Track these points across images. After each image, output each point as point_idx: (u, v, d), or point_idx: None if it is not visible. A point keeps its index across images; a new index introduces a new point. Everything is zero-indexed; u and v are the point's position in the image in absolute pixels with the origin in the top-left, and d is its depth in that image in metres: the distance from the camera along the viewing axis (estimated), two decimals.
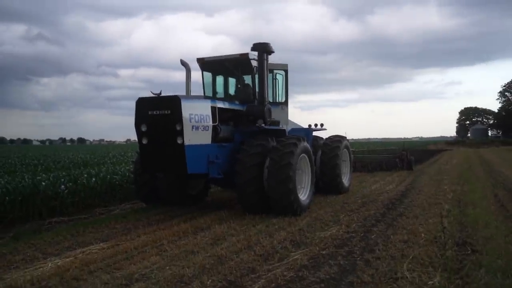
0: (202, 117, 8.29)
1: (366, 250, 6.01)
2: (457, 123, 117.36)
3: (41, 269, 5.40)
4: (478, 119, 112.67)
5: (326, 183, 11.56)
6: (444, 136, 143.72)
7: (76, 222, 8.67)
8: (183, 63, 9.81)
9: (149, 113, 8.10)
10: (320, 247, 6.24)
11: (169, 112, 7.96)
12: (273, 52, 9.68)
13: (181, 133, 7.84)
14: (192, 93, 9.93)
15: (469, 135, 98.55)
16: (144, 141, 8.27)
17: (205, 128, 8.36)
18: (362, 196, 11.31)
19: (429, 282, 4.60)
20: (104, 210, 10.20)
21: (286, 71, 11.12)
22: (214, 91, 10.98)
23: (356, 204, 10.03)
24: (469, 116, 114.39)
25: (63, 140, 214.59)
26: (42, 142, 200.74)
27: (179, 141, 7.88)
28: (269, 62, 9.86)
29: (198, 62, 10.60)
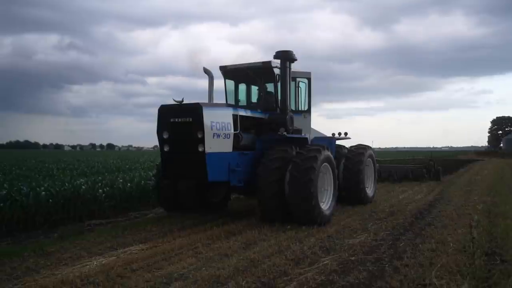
0: (223, 125, 8.30)
1: (395, 257, 6.17)
2: (489, 132, 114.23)
3: (87, 266, 5.81)
4: (511, 128, 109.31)
5: (349, 193, 11.28)
6: (475, 146, 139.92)
7: (114, 225, 9.12)
8: (206, 71, 9.96)
9: (171, 120, 8.22)
10: (349, 253, 6.44)
11: (190, 119, 8.04)
12: (295, 60, 9.65)
13: (202, 141, 7.91)
14: (215, 101, 10.09)
15: (501, 145, 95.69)
16: (166, 148, 8.39)
17: (226, 136, 8.37)
18: (390, 206, 11.38)
19: None
20: (139, 214, 10.66)
21: (309, 79, 11.03)
22: (237, 99, 11.00)
23: (384, 213, 10.14)
24: (501, 125, 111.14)
25: (93, 145, 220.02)
26: (73, 147, 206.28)
27: (200, 149, 7.94)
28: (292, 70, 9.80)
29: (220, 70, 10.62)
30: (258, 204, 8.69)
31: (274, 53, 9.50)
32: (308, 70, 11.07)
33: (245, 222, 8.94)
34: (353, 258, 6.16)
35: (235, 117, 8.75)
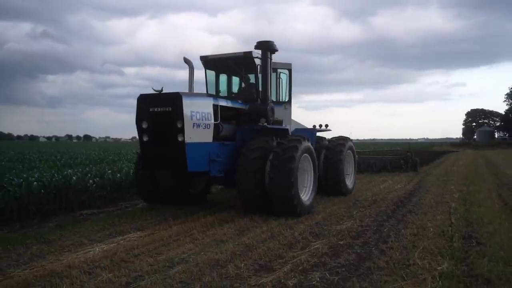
0: (203, 115, 8.25)
1: (380, 241, 6.61)
2: (463, 125, 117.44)
3: (91, 252, 6.05)
4: (484, 121, 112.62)
5: (329, 184, 11.41)
6: (450, 138, 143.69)
7: (107, 214, 9.31)
8: (186, 60, 9.86)
9: (150, 110, 8.08)
10: (338, 238, 6.86)
11: (170, 109, 7.94)
12: (276, 50, 9.69)
13: (182, 131, 7.82)
14: (195, 92, 9.97)
15: (475, 137, 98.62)
16: (145, 138, 8.26)
17: (206, 126, 8.32)
18: (372, 195, 11.91)
19: (438, 268, 5.19)
20: (129, 204, 10.85)
21: (290, 70, 10.99)
22: (217, 90, 10.90)
23: (367, 202, 10.64)
24: (475, 118, 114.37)
25: (69, 137, 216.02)
26: (49, 138, 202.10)
27: (180, 139, 7.85)
28: (273, 61, 9.82)
29: (201, 60, 10.49)
30: (239, 195, 8.71)
31: (255, 44, 9.54)
32: (288, 61, 11.11)
33: (235, 210, 9.26)
34: (341, 242, 6.57)
35: (215, 107, 8.70)
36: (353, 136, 13.69)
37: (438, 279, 4.83)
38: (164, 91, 8.16)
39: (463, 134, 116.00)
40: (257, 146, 8.62)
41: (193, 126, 8.01)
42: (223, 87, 11.08)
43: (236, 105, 9.71)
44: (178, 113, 7.83)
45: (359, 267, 5.39)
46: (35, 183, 9.57)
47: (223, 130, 8.96)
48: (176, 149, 7.92)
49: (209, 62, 10.51)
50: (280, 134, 9.42)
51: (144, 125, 8.19)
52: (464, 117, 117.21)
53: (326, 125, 11.99)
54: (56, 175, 10.95)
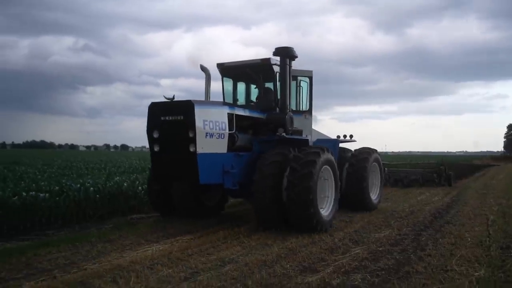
0: (217, 124, 7.90)
1: (418, 249, 6.90)
2: (504, 137, 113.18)
3: (149, 251, 6.67)
4: None
5: (353, 199, 10.75)
6: (490, 151, 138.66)
7: (156, 219, 9.96)
8: (203, 68, 9.49)
9: (162, 118, 7.80)
10: (377, 245, 7.20)
11: (181, 118, 7.64)
12: (296, 57, 9.21)
13: (193, 141, 7.49)
14: (212, 100, 9.60)
15: None
16: (156, 148, 7.95)
17: (220, 135, 7.98)
18: (410, 206, 12.07)
19: (475, 274, 5.46)
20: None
21: (310, 78, 10.54)
22: (235, 98, 10.55)
23: (404, 212, 10.85)
24: None
25: (107, 146, 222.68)
26: (88, 147, 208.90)
27: (192, 149, 7.52)
28: (294, 68, 9.41)
29: (218, 68, 10.11)
30: (254, 211, 8.28)
31: (274, 50, 9.09)
32: (309, 69, 10.63)
33: None
34: (380, 249, 6.91)
35: (230, 116, 8.36)
36: (388, 149, 13.65)
37: (475, 283, 5.10)
38: (176, 99, 7.97)
39: (504, 147, 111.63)
40: (273, 160, 8.14)
41: (206, 135, 7.67)
42: (241, 95, 10.74)
43: (254, 114, 9.32)
44: (190, 122, 7.52)
45: (398, 271, 5.72)
46: (91, 188, 10.40)
47: (238, 140, 8.60)
48: (187, 160, 7.57)
49: (226, 69, 10.14)
50: (300, 145, 8.96)
51: (155, 135, 7.91)
52: (506, 130, 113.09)
53: (351, 136, 11.47)
54: (107, 182, 11.79)
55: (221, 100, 10.26)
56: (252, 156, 8.69)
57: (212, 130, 7.80)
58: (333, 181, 8.87)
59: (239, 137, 8.65)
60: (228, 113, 8.33)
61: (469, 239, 7.50)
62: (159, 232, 8.13)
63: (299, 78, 10.34)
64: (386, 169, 17.96)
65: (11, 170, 18.83)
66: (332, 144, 10.48)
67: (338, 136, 11.43)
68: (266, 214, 8.08)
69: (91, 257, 6.35)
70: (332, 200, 8.80)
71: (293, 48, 9.10)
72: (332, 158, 8.84)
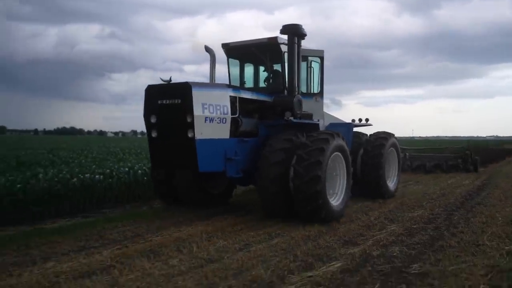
0: (218, 107, 7.41)
1: (451, 226, 7.38)
2: None
3: (203, 226, 7.37)
4: None
5: (368, 186, 10.33)
6: None
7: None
8: (207, 49, 8.98)
9: (159, 102, 7.36)
10: (411, 223, 7.72)
11: (179, 101, 7.20)
12: (305, 35, 8.58)
13: (191, 126, 7.05)
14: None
15: None
16: (154, 134, 7.56)
17: (221, 120, 7.47)
18: (440, 188, 12.46)
19: (505, 248, 5.92)
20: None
21: (321, 58, 9.85)
22: (242, 81, 9.99)
23: (435, 194, 11.26)
24: None
25: (134, 132, 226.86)
26: (116, 133, 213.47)
27: (190, 135, 7.09)
28: (304, 48, 8.87)
29: (223, 48, 9.59)
30: (260, 200, 7.94)
31: (281, 28, 8.46)
32: (320, 49, 10.02)
33: None
34: (415, 226, 7.43)
35: (233, 99, 7.89)
36: (414, 134, 13.37)
37: (505, 256, 5.58)
38: (177, 81, 7.58)
39: None
40: (280, 147, 7.68)
41: (205, 120, 7.19)
42: (249, 78, 10.20)
43: (260, 97, 8.81)
44: (187, 105, 7.06)
45: (433, 245, 6.24)
46: (139, 171, 11.20)
47: (242, 125, 8.13)
48: (186, 146, 7.16)
49: (231, 50, 9.58)
50: (310, 129, 8.53)
51: (153, 119, 7.50)
52: None
53: (367, 119, 10.81)
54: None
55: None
56: (258, 142, 8.20)
57: (212, 114, 7.30)
58: (345, 168, 8.36)
59: (244, 121, 8.18)
60: (230, 96, 7.81)
61: (500, 218, 7.91)
62: (202, 212, 8.76)
63: (309, 58, 9.64)
64: (407, 154, 18.13)
65: (55, 155, 19.95)
66: (345, 129, 9.99)
67: (353, 120, 10.78)
68: (272, 204, 7.73)
69: (153, 230, 7.09)
70: (344, 188, 8.30)
71: (301, 25, 8.45)
72: (344, 143, 8.29)
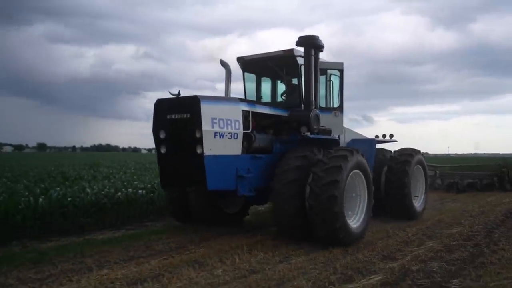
0: (229, 122, 7.08)
1: (491, 244, 7.33)
2: None
3: (228, 243, 7.61)
4: None
5: (393, 206, 9.76)
6: None
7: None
8: (223, 63, 8.59)
9: (168, 117, 7.10)
10: (450, 239, 7.70)
11: (188, 115, 6.91)
12: (322, 46, 8.33)
13: (200, 141, 6.72)
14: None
15: None
16: (162, 150, 7.23)
17: (233, 135, 7.14)
18: (479, 206, 12.23)
19: None
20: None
21: (341, 71, 9.27)
22: (259, 96, 9.67)
23: (474, 212, 11.09)
24: None
25: None
26: (149, 150, 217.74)
27: (199, 151, 6.74)
28: (322, 60, 8.68)
29: (238, 62, 9.32)
30: (274, 220, 7.63)
31: (296, 39, 8.22)
32: (339, 61, 9.38)
33: None
34: (454, 243, 7.42)
35: (246, 113, 7.59)
36: (450, 151, 12.73)
37: None
38: (188, 95, 7.25)
39: None
40: (294, 165, 7.34)
41: (215, 135, 6.87)
42: (266, 92, 9.83)
43: (276, 112, 8.46)
44: (196, 120, 6.77)
45: (473, 261, 6.25)
46: None
47: (256, 141, 7.82)
48: (194, 163, 6.81)
49: (247, 64, 9.30)
50: (328, 145, 8.16)
51: (162, 135, 7.21)
52: None
53: (391, 135, 10.43)
54: None
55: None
56: (272, 159, 7.87)
57: (222, 129, 6.98)
58: (365, 187, 7.89)
59: (258, 137, 7.89)
60: (243, 110, 7.49)
61: None
62: (245, 224, 9.07)
63: (329, 71, 9.20)
64: (437, 172, 17.28)
65: (95, 170, 20.81)
66: (368, 145, 9.63)
67: (377, 136, 10.44)
68: (287, 225, 7.36)
69: (196, 242, 7.42)
70: (364, 209, 7.83)
71: (318, 36, 8.22)
72: (364, 161, 7.84)
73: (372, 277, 5.47)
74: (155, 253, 6.69)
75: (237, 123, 7.23)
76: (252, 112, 7.75)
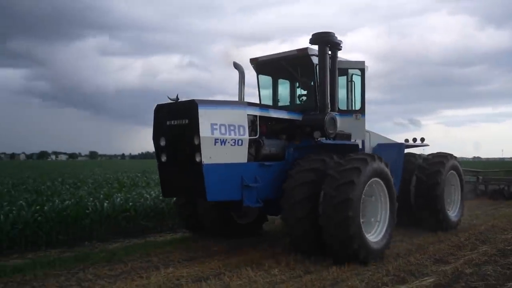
0: (232, 128, 6.58)
1: None
2: None
3: (282, 246, 7.87)
4: None
5: (423, 215, 9.02)
6: None
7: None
8: (236, 65, 8.13)
9: (167, 123, 6.69)
10: (504, 244, 7.65)
11: (186, 121, 6.46)
12: (338, 43, 7.70)
13: (198, 148, 6.24)
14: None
15: None
16: (163, 158, 6.84)
17: (237, 142, 6.59)
18: None
19: None
20: None
21: (362, 71, 8.54)
22: (275, 99, 9.09)
23: None
24: None
25: None
26: None
27: (197, 159, 6.25)
28: (342, 59, 8.08)
29: (251, 64, 8.78)
30: (287, 229, 6.95)
31: (310, 37, 7.63)
32: (361, 60, 8.74)
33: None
34: (509, 248, 7.37)
35: (253, 118, 7.11)
36: (505, 154, 11.63)
37: None
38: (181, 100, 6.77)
39: None
40: (308, 167, 6.80)
41: (215, 142, 6.36)
42: (284, 96, 9.19)
43: (289, 116, 7.87)
44: (194, 126, 6.31)
45: None
46: None
47: (265, 147, 7.28)
48: (193, 172, 6.35)
49: (261, 66, 8.75)
50: (348, 151, 7.35)
51: (162, 142, 6.82)
52: None
53: (422, 139, 9.50)
54: None
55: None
56: (284, 166, 7.26)
57: (224, 135, 6.46)
58: (387, 198, 7.12)
59: (268, 143, 7.34)
60: (249, 115, 6.99)
61: None
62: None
63: (350, 71, 8.53)
64: (480, 178, 15.88)
65: (147, 177, 21.80)
66: (396, 150, 8.94)
67: (407, 140, 9.55)
68: (297, 232, 6.72)
69: (251, 244, 7.76)
70: (386, 223, 7.06)
71: (333, 33, 7.61)
72: (384, 168, 7.06)
73: (424, 279, 5.62)
74: (214, 254, 7.12)
75: (241, 128, 6.72)
76: (261, 116, 7.27)
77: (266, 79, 9.12)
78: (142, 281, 5.63)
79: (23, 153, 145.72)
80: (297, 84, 8.86)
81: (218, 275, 5.85)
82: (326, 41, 7.51)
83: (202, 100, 6.51)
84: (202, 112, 6.32)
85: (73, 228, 8.47)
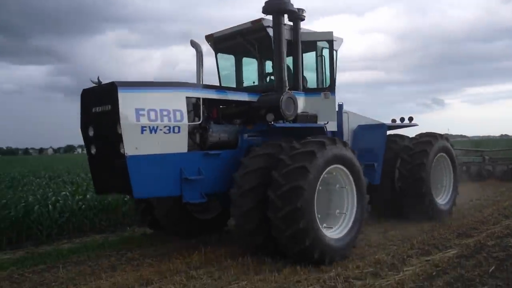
0: (166, 113, 5.69)
1: None
2: None
3: None
4: None
5: (409, 203, 8.03)
6: None
7: None
8: (193, 43, 7.10)
9: (93, 110, 5.81)
10: None
11: (109, 107, 5.56)
12: (296, 12, 6.83)
13: (121, 138, 5.40)
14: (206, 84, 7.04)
15: None
16: (93, 150, 6.00)
17: (172, 129, 5.74)
18: None
19: None
20: None
21: (331, 43, 7.48)
22: (239, 80, 8.14)
23: None
24: None
25: None
26: None
27: (122, 150, 5.42)
28: (306, 31, 7.25)
29: (207, 41, 7.87)
30: (234, 221, 6.16)
31: (263, 5, 6.66)
32: (329, 31, 7.55)
33: None
34: None
35: (194, 101, 6.24)
36: None
37: None
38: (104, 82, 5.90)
39: None
40: (253, 168, 5.84)
41: (143, 130, 5.51)
42: (250, 75, 8.16)
43: (243, 98, 6.96)
44: (115, 112, 5.45)
45: None
46: None
47: (211, 134, 6.41)
48: (119, 166, 5.48)
49: (217, 42, 7.82)
50: (311, 135, 6.36)
51: (90, 132, 5.94)
52: None
53: (410, 118, 8.65)
54: None
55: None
56: (237, 155, 6.44)
57: (155, 122, 5.59)
58: (354, 189, 6.24)
59: (216, 129, 6.50)
60: (187, 98, 6.07)
61: None
62: None
63: (319, 44, 7.53)
64: (486, 158, 14.65)
65: None
66: (378, 132, 8.20)
67: (394, 120, 8.72)
68: (251, 235, 5.88)
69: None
70: (353, 217, 6.18)
71: (289, 0, 6.64)
72: (348, 153, 6.17)
73: (448, 251, 5.97)
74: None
75: (178, 113, 5.81)
76: (205, 99, 6.37)
77: (226, 58, 8.25)
78: (185, 259, 6.13)
79: (51, 147, 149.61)
80: (262, 61, 7.92)
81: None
82: (280, 9, 6.55)
83: (125, 82, 5.64)
84: (123, 95, 5.44)
85: (114, 214, 9.13)
